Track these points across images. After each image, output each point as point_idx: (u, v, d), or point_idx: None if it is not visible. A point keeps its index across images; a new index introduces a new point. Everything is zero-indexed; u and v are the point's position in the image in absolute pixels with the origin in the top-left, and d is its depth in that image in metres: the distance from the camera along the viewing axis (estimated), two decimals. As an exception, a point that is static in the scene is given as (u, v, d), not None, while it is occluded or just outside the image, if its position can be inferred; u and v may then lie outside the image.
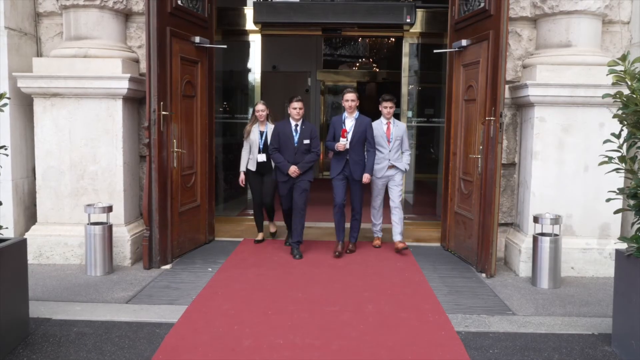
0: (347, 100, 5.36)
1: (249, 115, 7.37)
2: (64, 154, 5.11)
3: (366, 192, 5.67)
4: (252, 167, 5.79)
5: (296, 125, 5.39)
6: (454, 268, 5.10)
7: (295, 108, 5.36)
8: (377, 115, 5.76)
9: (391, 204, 5.61)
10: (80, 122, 5.09)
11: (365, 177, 5.41)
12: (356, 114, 5.42)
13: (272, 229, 6.18)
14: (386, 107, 5.57)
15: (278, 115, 7.02)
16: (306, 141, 5.35)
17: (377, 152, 5.50)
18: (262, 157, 5.73)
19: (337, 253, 5.35)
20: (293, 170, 5.27)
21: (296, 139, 5.35)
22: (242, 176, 5.90)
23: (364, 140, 5.39)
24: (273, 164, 5.60)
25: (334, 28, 7.63)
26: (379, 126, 5.59)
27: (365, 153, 5.46)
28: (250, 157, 5.81)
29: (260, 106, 5.77)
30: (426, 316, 3.80)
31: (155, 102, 4.78)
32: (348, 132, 5.30)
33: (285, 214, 5.68)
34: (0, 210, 4.59)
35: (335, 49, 12.95)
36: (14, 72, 5.06)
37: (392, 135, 5.56)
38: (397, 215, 5.62)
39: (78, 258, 5.10)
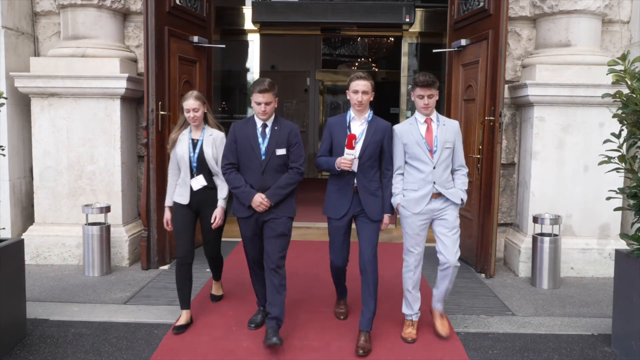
0: (357, 92, 3.30)
1: (248, 116, 7.36)
2: (62, 154, 5.09)
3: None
4: (182, 199, 3.59)
5: (263, 126, 3.36)
6: (453, 268, 5.08)
7: (260, 103, 3.28)
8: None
9: (440, 258, 3.42)
10: (78, 122, 5.07)
11: (385, 222, 3.44)
12: (369, 113, 3.40)
13: (216, 291, 4.12)
14: (422, 97, 3.30)
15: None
16: (281, 151, 3.33)
17: (413, 171, 3.38)
18: (198, 182, 3.57)
19: (341, 316, 3.74)
20: (258, 201, 3.27)
21: (263, 148, 3.32)
22: (167, 215, 3.71)
23: (379, 156, 3.43)
24: (224, 191, 3.62)
25: (333, 28, 7.63)
26: (411, 129, 3.38)
27: (382, 178, 3.48)
28: (179, 183, 3.64)
29: (191, 102, 3.53)
30: (425, 317, 3.79)
31: (154, 102, 4.76)
32: (357, 141, 3.31)
33: (251, 269, 3.64)
34: (-3, 211, 4.58)
35: (335, 48, 12.94)
36: (11, 72, 5.04)
37: (438, 140, 3.34)
38: (445, 280, 3.45)
39: (76, 258, 5.08)
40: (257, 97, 3.28)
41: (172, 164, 3.68)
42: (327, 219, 3.50)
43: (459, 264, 3.41)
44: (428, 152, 3.33)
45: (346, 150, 3.23)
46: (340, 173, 3.35)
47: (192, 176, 3.57)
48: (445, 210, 3.38)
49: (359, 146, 3.32)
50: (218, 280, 4.13)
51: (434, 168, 3.32)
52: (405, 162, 3.41)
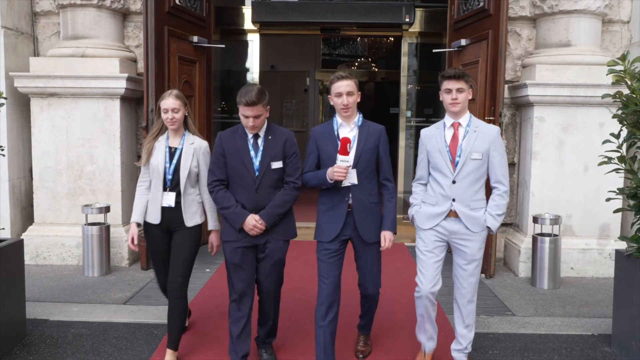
0: (340, 95, 2.86)
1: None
2: (61, 154, 5.09)
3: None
4: (154, 219, 3.05)
5: (255, 137, 2.93)
6: (453, 268, 5.08)
7: (248, 117, 2.84)
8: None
9: (455, 293, 2.93)
10: (77, 122, 5.07)
11: (386, 239, 2.92)
12: (358, 117, 2.95)
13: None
14: (449, 92, 2.79)
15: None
16: (276, 164, 2.91)
17: (434, 183, 2.89)
18: (170, 199, 3.03)
19: None
20: (252, 224, 2.84)
21: (257, 162, 2.90)
22: (132, 229, 3.11)
23: (376, 164, 2.97)
24: (214, 210, 3.13)
25: (333, 27, 7.62)
26: (437, 134, 2.89)
27: (382, 191, 3.00)
28: (150, 198, 3.10)
29: (170, 101, 3.03)
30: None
31: (153, 102, 4.74)
32: (349, 161, 2.79)
33: (233, 304, 2.96)
34: (-3, 211, 4.58)
35: (334, 48, 12.92)
36: (11, 72, 5.04)
37: (463, 148, 2.80)
38: (462, 319, 2.92)
39: (75, 259, 5.08)
40: (244, 111, 2.83)
41: (143, 175, 3.15)
42: (316, 245, 2.95)
43: (472, 301, 2.87)
44: (450, 163, 2.80)
45: (339, 157, 2.76)
46: (332, 188, 2.88)
47: (164, 190, 3.03)
48: (467, 239, 2.80)
49: (351, 156, 2.81)
50: (175, 348, 3.06)
51: (454, 182, 2.78)
52: (430, 173, 2.94)
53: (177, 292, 3.02)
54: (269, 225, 2.88)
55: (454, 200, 2.79)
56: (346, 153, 2.76)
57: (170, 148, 3.07)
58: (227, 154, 2.92)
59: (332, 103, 2.94)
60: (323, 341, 2.86)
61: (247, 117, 2.83)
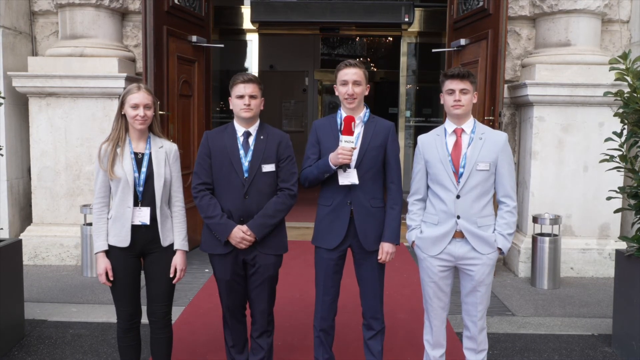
0: (346, 84, 2.63)
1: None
2: (60, 154, 5.07)
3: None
4: (121, 241, 2.56)
5: (246, 135, 2.67)
6: (453, 268, 5.07)
7: (243, 96, 2.59)
8: None
9: (465, 320, 2.64)
10: (76, 122, 5.05)
11: (383, 251, 2.65)
12: (364, 112, 2.70)
13: None
14: (452, 93, 2.49)
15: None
16: (268, 167, 2.65)
17: (434, 199, 2.58)
18: (144, 215, 2.57)
19: None
20: (239, 237, 2.58)
21: (246, 162, 2.63)
22: (104, 263, 2.57)
23: (383, 164, 2.69)
24: (182, 227, 2.69)
25: (332, 27, 7.64)
26: (437, 141, 2.58)
27: (387, 195, 2.75)
28: (113, 217, 2.58)
29: (142, 95, 2.55)
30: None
31: (152, 102, 4.75)
32: (354, 141, 2.56)
33: (225, 320, 2.83)
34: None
35: (333, 48, 12.91)
36: (9, 72, 5.02)
37: (467, 158, 2.50)
38: (475, 347, 2.64)
39: (74, 259, 5.07)
40: (238, 89, 2.58)
41: (100, 189, 2.59)
42: (315, 251, 2.72)
43: (485, 329, 2.60)
44: (453, 175, 2.49)
45: (343, 138, 2.51)
46: (332, 188, 2.63)
47: (136, 205, 2.54)
48: (474, 263, 2.50)
49: (354, 155, 2.56)
50: None
51: (458, 197, 2.47)
52: (429, 187, 2.61)
53: (162, 321, 2.73)
54: (259, 237, 2.60)
55: (458, 217, 2.48)
56: (350, 133, 2.53)
57: (136, 154, 2.58)
58: (212, 154, 2.65)
59: (337, 93, 2.69)
60: (322, 346, 2.78)
61: (242, 96, 2.59)
